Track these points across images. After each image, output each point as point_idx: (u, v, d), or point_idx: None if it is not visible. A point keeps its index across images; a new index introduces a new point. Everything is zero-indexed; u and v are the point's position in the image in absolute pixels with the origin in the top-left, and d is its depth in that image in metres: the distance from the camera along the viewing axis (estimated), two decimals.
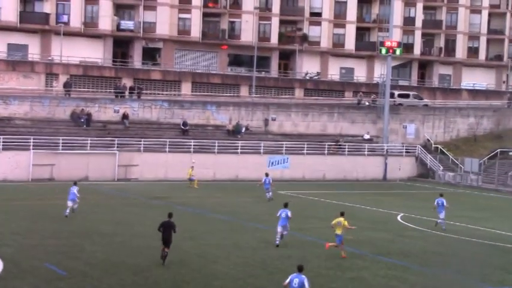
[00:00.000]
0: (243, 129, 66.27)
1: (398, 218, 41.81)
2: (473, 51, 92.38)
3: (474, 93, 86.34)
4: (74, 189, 36.40)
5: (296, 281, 19.23)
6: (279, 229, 30.62)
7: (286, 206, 31.18)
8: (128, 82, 70.75)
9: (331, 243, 29.14)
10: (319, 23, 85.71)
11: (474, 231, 37.72)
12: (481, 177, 65.56)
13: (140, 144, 58.58)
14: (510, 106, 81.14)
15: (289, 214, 30.55)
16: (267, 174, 48.12)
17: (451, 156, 70.25)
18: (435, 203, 38.07)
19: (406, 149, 70.94)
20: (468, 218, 42.62)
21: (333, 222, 29.16)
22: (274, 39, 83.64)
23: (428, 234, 36.53)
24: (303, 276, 19.29)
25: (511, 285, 25.70)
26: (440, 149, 71.83)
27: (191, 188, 52.46)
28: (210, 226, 35.57)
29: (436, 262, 28.88)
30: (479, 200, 53.77)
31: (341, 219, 28.90)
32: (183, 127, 63.89)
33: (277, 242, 30.56)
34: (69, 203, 36.14)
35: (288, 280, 19.41)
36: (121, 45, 78.56)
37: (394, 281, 25.39)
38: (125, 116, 62.92)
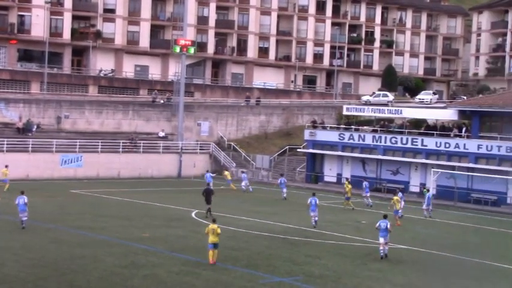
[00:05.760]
0: (34, 127, 64.17)
1: (193, 214, 42.43)
2: (263, 51, 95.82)
3: (265, 91, 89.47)
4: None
5: (383, 224, 30.00)
6: (381, 240, 30.45)
7: (385, 217, 31.12)
8: None
9: None
10: (113, 20, 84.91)
11: (264, 226, 39.10)
12: (271, 173, 68.18)
13: None
14: (248, 104, 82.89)
15: (389, 226, 30.40)
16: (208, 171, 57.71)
17: (243, 153, 72.34)
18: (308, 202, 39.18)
19: (200, 147, 72.03)
20: (258, 213, 44.12)
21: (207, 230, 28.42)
22: (66, 35, 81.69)
23: (221, 230, 37.32)
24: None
25: (297, 275, 27.00)
26: (233, 146, 73.76)
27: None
28: None
29: (228, 257, 29.61)
30: (269, 195, 55.74)
31: (215, 226, 28.18)
32: None
33: (382, 254, 30.51)
34: None
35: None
36: None
37: (187, 276, 25.78)
38: None
